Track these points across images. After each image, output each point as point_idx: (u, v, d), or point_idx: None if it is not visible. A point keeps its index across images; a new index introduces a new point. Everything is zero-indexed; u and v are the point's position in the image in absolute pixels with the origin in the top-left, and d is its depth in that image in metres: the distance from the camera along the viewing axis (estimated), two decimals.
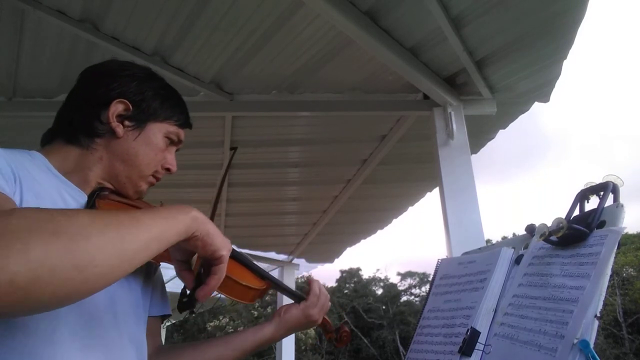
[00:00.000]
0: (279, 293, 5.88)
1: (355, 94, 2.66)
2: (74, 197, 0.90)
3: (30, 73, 2.43)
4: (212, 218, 0.91)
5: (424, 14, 1.94)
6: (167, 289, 1.16)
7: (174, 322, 14.51)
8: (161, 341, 1.14)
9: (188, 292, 0.84)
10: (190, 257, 0.85)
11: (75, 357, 0.78)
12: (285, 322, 1.15)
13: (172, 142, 1.05)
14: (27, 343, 0.73)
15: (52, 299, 0.57)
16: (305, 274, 6.51)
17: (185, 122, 1.07)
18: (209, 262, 0.80)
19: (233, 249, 1.08)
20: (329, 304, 1.22)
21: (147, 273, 1.06)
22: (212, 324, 23.89)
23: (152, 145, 1.00)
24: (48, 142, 0.98)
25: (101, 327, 0.84)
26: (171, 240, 0.71)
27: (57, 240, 0.56)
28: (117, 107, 0.96)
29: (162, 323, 1.15)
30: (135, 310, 0.96)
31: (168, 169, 1.05)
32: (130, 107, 0.97)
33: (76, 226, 0.59)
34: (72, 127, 0.96)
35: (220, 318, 24.19)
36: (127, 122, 0.97)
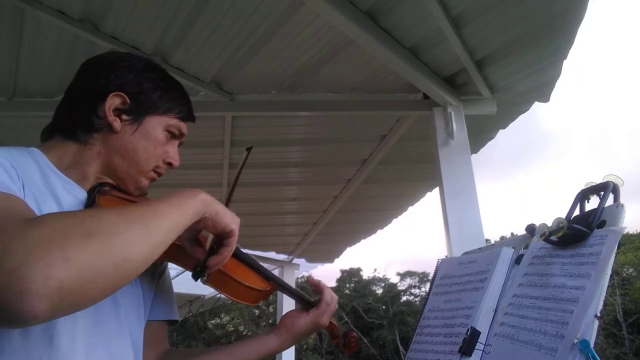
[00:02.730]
0: (279, 294, 5.83)
1: (355, 94, 2.66)
2: (72, 194, 0.88)
3: (30, 73, 2.43)
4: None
5: (424, 14, 1.94)
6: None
7: None
8: (167, 347, 1.09)
9: (200, 263, 0.88)
10: (198, 233, 0.89)
11: (78, 349, 0.78)
12: (293, 333, 1.08)
13: (173, 135, 1.01)
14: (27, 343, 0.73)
15: (96, 297, 0.61)
16: (305, 273, 6.51)
17: (187, 115, 1.03)
18: (221, 237, 0.86)
19: (236, 248, 1.07)
20: (336, 306, 1.15)
21: (152, 275, 1.03)
22: (213, 321, 23.88)
23: (152, 139, 0.96)
24: (48, 137, 0.96)
25: (102, 314, 0.84)
26: (187, 224, 0.76)
27: (91, 242, 0.59)
28: (113, 101, 0.92)
29: (168, 328, 1.11)
30: (136, 307, 0.95)
31: (170, 164, 1.01)
32: (128, 100, 0.93)
33: (105, 226, 0.63)
34: (70, 122, 0.94)
35: (222, 316, 24.17)
36: (124, 116, 0.93)
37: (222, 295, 0.97)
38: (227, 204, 0.97)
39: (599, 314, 0.80)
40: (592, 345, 0.78)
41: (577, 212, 1.00)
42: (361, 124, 3.02)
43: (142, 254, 0.65)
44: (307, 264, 5.98)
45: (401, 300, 29.59)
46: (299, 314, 1.10)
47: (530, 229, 1.10)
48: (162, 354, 1.07)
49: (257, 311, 25.34)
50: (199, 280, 0.90)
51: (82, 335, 0.79)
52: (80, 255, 0.57)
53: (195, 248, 0.89)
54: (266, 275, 1.04)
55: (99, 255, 0.59)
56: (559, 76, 2.36)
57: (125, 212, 0.68)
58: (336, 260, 5.97)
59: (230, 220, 0.85)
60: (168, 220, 0.71)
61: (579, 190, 1.01)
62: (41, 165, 0.87)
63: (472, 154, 2.44)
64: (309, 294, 1.18)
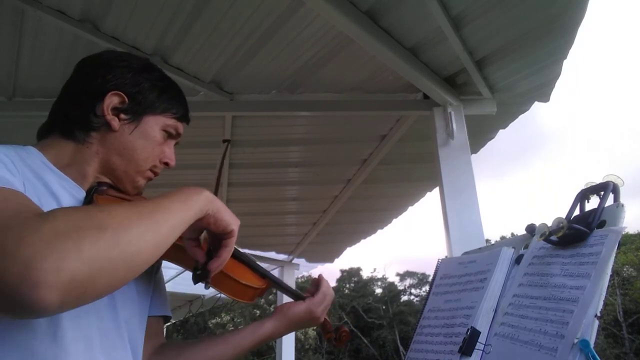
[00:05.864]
0: (279, 292, 5.85)
1: (355, 94, 2.66)
2: (70, 192, 0.88)
3: (30, 73, 2.43)
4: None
5: (424, 14, 1.94)
6: (167, 289, 1.15)
7: (174, 322, 14.54)
8: (164, 340, 1.11)
9: (200, 266, 0.88)
10: (200, 234, 0.88)
11: (78, 354, 0.78)
12: (288, 319, 1.11)
13: (170, 135, 1.02)
14: (29, 339, 0.73)
15: (104, 290, 0.63)
16: (305, 273, 6.51)
17: (184, 115, 1.04)
18: (220, 237, 0.86)
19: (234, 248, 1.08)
20: (331, 301, 1.20)
21: (149, 271, 1.01)
22: (213, 321, 23.90)
23: (150, 139, 0.97)
24: (44, 136, 0.96)
25: (100, 320, 0.84)
26: (191, 220, 0.77)
27: (103, 236, 0.61)
28: (112, 100, 0.93)
29: (164, 324, 1.13)
30: (136, 308, 0.95)
31: (166, 164, 1.02)
32: (126, 99, 0.94)
33: (116, 220, 0.64)
34: (67, 121, 0.94)
35: (222, 315, 24.19)
36: (122, 115, 0.94)
37: (222, 295, 0.97)
38: (216, 190, 1.00)
39: (599, 314, 0.80)
40: (592, 345, 0.78)
41: (577, 212, 1.00)
42: (361, 124, 3.02)
43: (150, 249, 0.67)
44: (307, 264, 5.98)
45: (401, 300, 29.61)
46: (295, 302, 1.15)
47: (530, 229, 1.10)
48: (158, 346, 1.08)
49: (257, 311, 25.34)
50: (199, 283, 0.89)
51: (81, 343, 0.79)
52: (92, 248, 0.59)
53: (195, 249, 0.89)
54: (262, 274, 1.07)
55: (110, 248, 0.61)
56: (559, 76, 2.36)
57: (135, 207, 0.69)
58: (336, 260, 5.97)
59: (231, 219, 0.85)
60: (175, 216, 0.73)
61: (578, 190, 1.01)
62: (39, 163, 0.87)
63: (472, 154, 2.43)
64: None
